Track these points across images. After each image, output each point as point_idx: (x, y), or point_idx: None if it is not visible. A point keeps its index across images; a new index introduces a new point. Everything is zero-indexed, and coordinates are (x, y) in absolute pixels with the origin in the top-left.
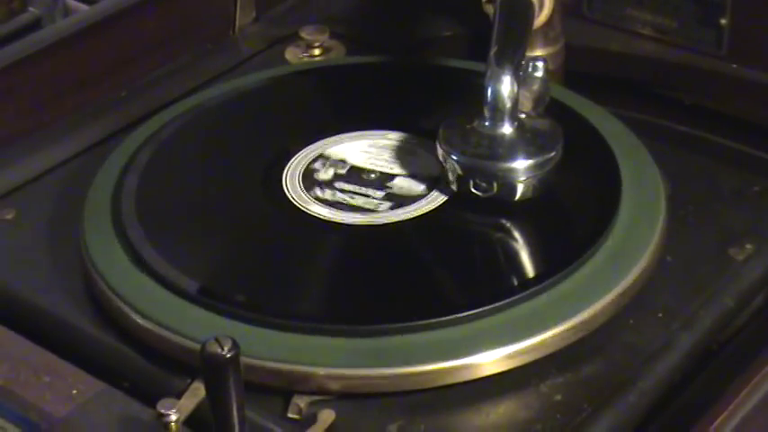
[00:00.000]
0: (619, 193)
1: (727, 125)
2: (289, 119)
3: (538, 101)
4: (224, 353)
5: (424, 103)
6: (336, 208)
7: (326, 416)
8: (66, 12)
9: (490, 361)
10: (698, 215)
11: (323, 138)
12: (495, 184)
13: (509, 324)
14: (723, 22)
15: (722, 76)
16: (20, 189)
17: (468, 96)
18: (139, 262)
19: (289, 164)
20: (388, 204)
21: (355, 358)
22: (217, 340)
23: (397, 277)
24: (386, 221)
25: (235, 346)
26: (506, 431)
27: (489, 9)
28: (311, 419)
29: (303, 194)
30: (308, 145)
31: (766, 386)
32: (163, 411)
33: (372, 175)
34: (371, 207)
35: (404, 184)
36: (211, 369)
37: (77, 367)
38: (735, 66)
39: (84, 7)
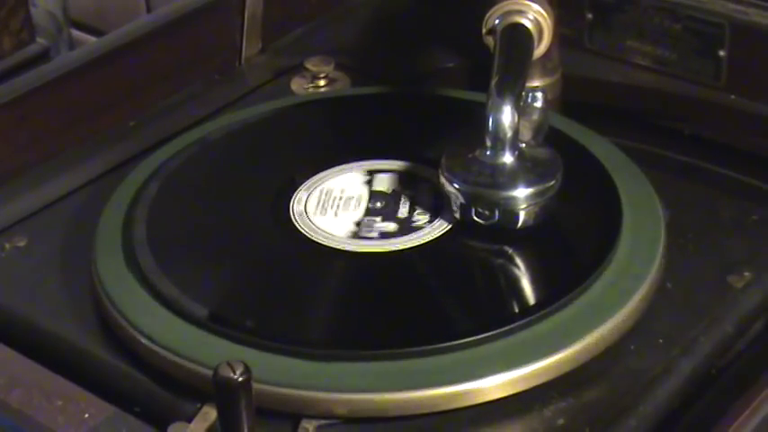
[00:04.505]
0: (619, 220)
1: (725, 155)
2: (295, 149)
3: (537, 130)
4: (236, 377)
5: (427, 133)
6: (343, 235)
7: None
8: (71, 42)
9: (494, 386)
10: (697, 243)
11: (328, 167)
12: (496, 212)
13: (513, 350)
14: (722, 53)
15: (721, 107)
16: (32, 217)
17: (469, 126)
18: (150, 288)
19: (296, 193)
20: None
21: (362, 383)
22: (229, 365)
23: (403, 303)
24: (391, 249)
25: (246, 370)
26: None
27: (490, 41)
28: None
29: (310, 223)
30: (314, 174)
31: (765, 410)
32: None
33: (379, 204)
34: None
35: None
36: (223, 393)
37: (89, 392)
38: (733, 96)
39: (87, 37)
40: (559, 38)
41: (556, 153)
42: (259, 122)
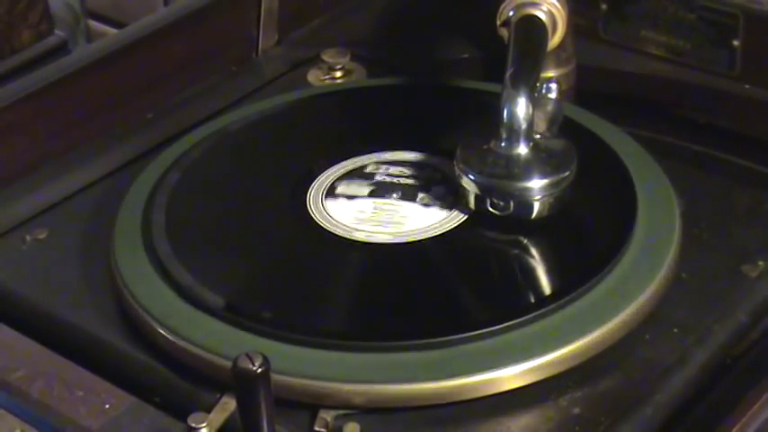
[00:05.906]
0: (634, 210)
1: (739, 144)
2: (312, 140)
3: (552, 121)
4: (255, 368)
5: (442, 124)
6: (359, 226)
7: (352, 429)
8: (89, 33)
9: (510, 376)
10: (711, 233)
11: (344, 158)
12: (511, 203)
13: (529, 340)
14: (736, 43)
15: (735, 97)
16: (52, 209)
17: (484, 117)
18: (169, 280)
19: (312, 184)
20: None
21: (379, 373)
22: (247, 356)
23: (419, 294)
24: (407, 240)
25: (265, 361)
26: None
27: (504, 32)
28: None
29: (326, 214)
30: (331, 165)
31: None
32: (193, 425)
33: (395, 194)
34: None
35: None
36: (243, 384)
37: (109, 382)
38: (747, 86)
39: (104, 28)
40: (574, 28)
41: (570, 144)
42: (276, 114)
